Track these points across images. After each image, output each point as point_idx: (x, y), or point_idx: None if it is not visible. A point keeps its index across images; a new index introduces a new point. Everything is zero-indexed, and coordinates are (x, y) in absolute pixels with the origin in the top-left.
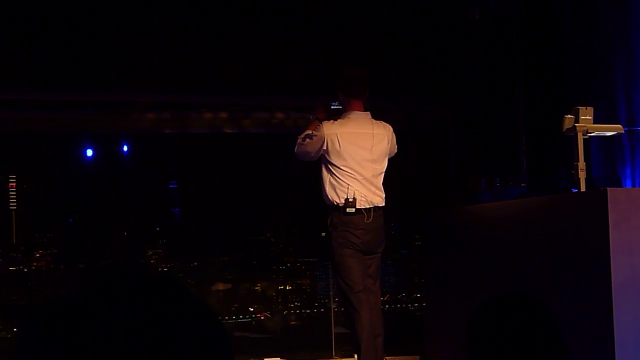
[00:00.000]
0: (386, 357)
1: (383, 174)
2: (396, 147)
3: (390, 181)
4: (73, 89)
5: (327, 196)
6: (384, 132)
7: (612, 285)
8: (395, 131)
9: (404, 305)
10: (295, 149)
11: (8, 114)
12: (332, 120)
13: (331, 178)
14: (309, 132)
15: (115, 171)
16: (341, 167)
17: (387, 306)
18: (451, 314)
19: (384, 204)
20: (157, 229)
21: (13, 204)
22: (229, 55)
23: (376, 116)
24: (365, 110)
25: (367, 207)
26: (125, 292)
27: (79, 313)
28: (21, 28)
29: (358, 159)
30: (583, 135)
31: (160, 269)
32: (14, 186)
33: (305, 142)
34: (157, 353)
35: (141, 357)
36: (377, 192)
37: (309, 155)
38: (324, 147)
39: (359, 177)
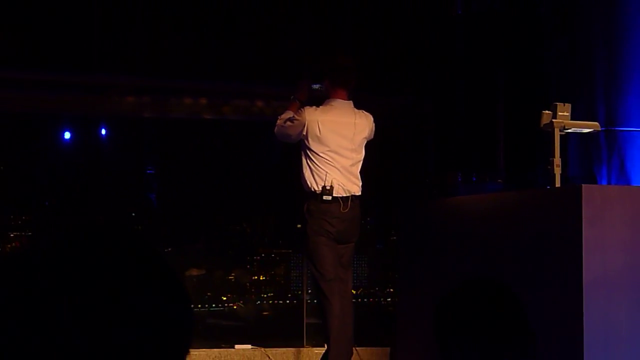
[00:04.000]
0: (356, 348)
1: (361, 163)
2: (373, 134)
3: (367, 175)
4: (53, 69)
5: (306, 182)
6: (365, 121)
7: (584, 281)
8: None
9: (376, 299)
10: (275, 129)
11: None
12: (314, 107)
13: (310, 164)
14: (291, 114)
15: (93, 155)
16: (320, 154)
17: (359, 299)
18: (422, 307)
19: (360, 193)
20: (133, 214)
21: None
22: (211, 41)
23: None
24: (349, 99)
25: (344, 195)
26: (89, 252)
27: (33, 268)
28: (0, 5)
29: (338, 147)
30: (560, 131)
31: (138, 233)
32: None
33: (285, 125)
34: (108, 318)
35: (92, 320)
36: (355, 180)
37: (289, 138)
38: (304, 132)
39: (338, 165)
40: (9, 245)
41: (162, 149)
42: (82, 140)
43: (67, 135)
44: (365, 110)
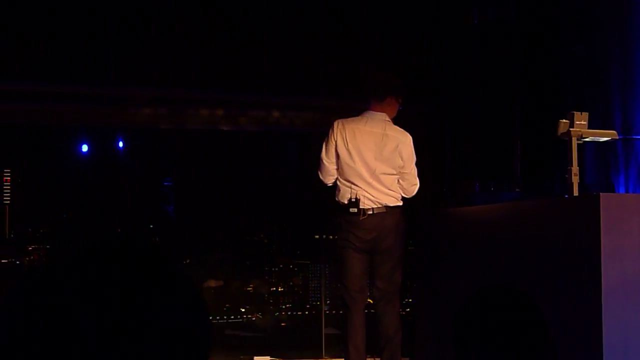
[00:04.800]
0: (369, 358)
1: (394, 176)
2: (411, 160)
3: None
4: (70, 81)
5: (335, 195)
6: (396, 135)
7: (602, 289)
8: None
9: None
10: (318, 171)
11: (3, 105)
12: (344, 118)
13: (339, 177)
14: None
15: (111, 167)
16: (348, 165)
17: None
18: (442, 316)
19: (397, 203)
20: (151, 226)
21: (7, 198)
22: (227, 51)
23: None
24: (384, 112)
25: (373, 207)
26: (110, 265)
27: (54, 281)
28: (19, 19)
29: (364, 158)
30: (577, 140)
31: (156, 245)
32: (9, 180)
33: (321, 152)
34: (129, 331)
35: (113, 333)
36: (386, 190)
37: (327, 163)
38: (335, 143)
39: (365, 176)
40: (27, 258)
41: (179, 161)
42: (100, 152)
43: (84, 147)
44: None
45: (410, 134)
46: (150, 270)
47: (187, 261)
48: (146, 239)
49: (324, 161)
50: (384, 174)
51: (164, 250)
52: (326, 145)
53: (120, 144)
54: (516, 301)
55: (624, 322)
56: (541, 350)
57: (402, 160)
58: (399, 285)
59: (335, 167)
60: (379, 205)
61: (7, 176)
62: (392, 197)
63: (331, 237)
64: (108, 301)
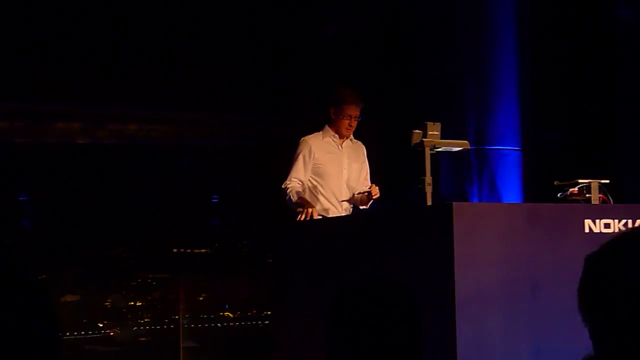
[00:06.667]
0: None
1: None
2: None
3: (244, 197)
4: None
5: None
6: None
7: (456, 297)
8: (243, 145)
9: (254, 322)
10: None
11: None
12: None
13: None
14: None
15: None
16: None
17: (238, 323)
18: (300, 327)
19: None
20: (6, 241)
21: None
22: (83, 64)
23: (227, 130)
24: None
25: None
26: None
27: None
28: None
29: None
30: (430, 150)
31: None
32: None
33: None
34: None
35: None
36: None
37: None
38: None
39: None
40: None
41: (36, 175)
42: None
43: None
44: (235, 131)
45: (269, 147)
46: None
47: (43, 276)
48: None
49: None
50: None
51: (15, 259)
52: None
53: None
54: (389, 292)
55: (478, 330)
56: (410, 336)
57: None
58: None
59: None
60: None
61: None
62: None
63: (189, 250)
64: None
